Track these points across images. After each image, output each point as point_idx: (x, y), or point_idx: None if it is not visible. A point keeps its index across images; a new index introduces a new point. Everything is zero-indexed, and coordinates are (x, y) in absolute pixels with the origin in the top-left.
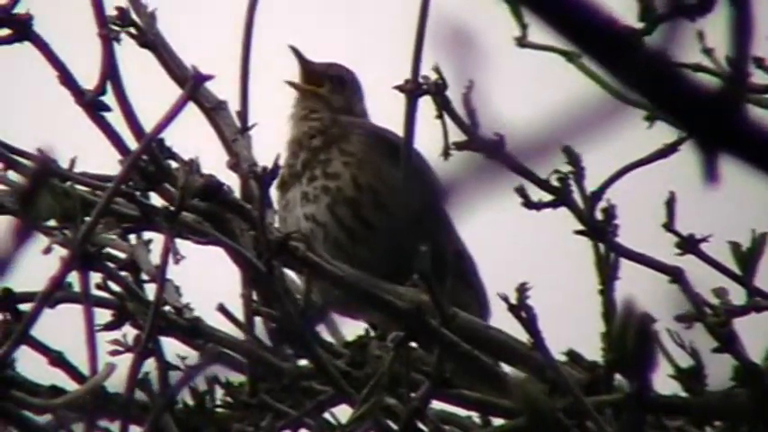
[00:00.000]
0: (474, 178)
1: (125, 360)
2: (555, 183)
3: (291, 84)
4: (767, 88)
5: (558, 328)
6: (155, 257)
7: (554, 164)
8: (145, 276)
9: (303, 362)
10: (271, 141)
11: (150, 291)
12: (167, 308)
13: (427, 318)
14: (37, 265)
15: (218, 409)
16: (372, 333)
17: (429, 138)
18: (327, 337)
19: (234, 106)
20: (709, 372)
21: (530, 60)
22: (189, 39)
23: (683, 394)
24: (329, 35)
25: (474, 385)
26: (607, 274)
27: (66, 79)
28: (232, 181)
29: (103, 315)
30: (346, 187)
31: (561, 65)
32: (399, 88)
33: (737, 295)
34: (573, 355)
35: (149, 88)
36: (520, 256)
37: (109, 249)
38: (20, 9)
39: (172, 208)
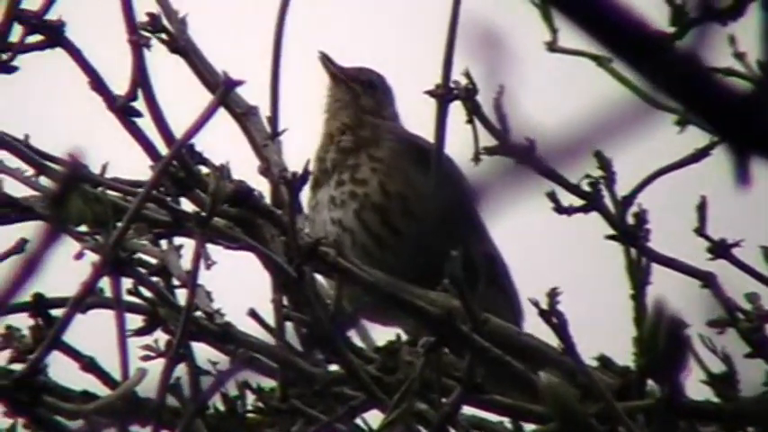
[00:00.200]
0: (505, 183)
1: (156, 365)
2: (586, 187)
3: (323, 62)
4: None
5: (590, 334)
6: (186, 263)
7: (585, 168)
8: (176, 282)
9: (334, 367)
10: (301, 146)
11: (181, 296)
12: (198, 313)
13: (458, 323)
14: (69, 271)
15: (250, 415)
16: (403, 338)
17: (459, 143)
18: (358, 342)
19: (265, 111)
20: (741, 377)
21: (560, 65)
22: (220, 44)
23: (716, 400)
24: (360, 40)
25: (505, 391)
26: (639, 279)
27: (98, 85)
28: (263, 186)
29: (135, 320)
30: (374, 193)
31: (592, 69)
32: (430, 93)
33: None
34: (604, 361)
35: (180, 94)
36: (551, 261)
37: (140, 255)
38: (52, 15)
39: (203, 213)
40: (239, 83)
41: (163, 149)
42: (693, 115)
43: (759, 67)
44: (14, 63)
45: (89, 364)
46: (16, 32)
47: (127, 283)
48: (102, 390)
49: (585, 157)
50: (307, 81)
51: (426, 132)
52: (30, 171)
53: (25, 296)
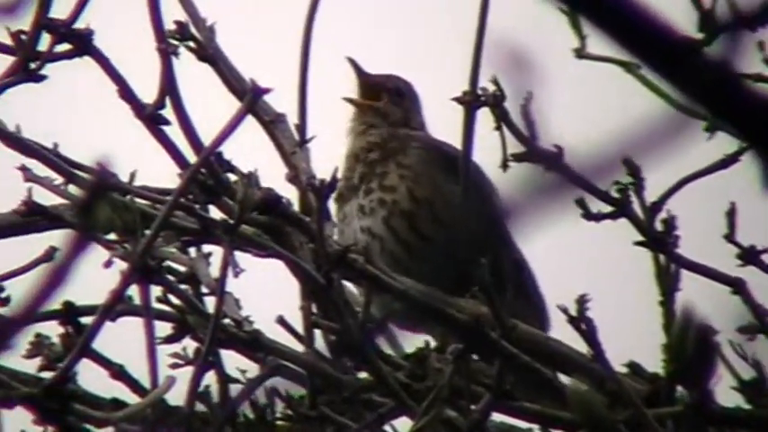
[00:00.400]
0: (533, 191)
1: (185, 373)
2: (615, 194)
3: (350, 100)
4: None
5: (619, 340)
6: (214, 270)
7: (613, 175)
8: (205, 289)
9: (363, 374)
10: (329, 154)
11: (210, 304)
12: (227, 321)
13: (487, 330)
14: (98, 279)
15: (279, 422)
16: (432, 345)
17: (487, 149)
18: (387, 349)
19: (292, 119)
20: None
21: (588, 72)
22: (247, 52)
23: (746, 406)
24: (387, 47)
25: (534, 397)
26: (667, 285)
27: (126, 93)
28: (291, 194)
29: (164, 328)
30: (402, 200)
31: (620, 76)
32: (458, 100)
33: None
34: (634, 367)
35: (208, 102)
36: (579, 267)
37: (169, 262)
38: (80, 24)
39: (231, 221)
40: (267, 90)
41: (191, 157)
42: (722, 121)
43: None
44: (43, 72)
45: (118, 372)
46: (45, 41)
47: (156, 290)
48: (131, 397)
49: (614, 164)
50: (335, 88)
51: (453, 139)
52: (59, 179)
53: (55, 304)
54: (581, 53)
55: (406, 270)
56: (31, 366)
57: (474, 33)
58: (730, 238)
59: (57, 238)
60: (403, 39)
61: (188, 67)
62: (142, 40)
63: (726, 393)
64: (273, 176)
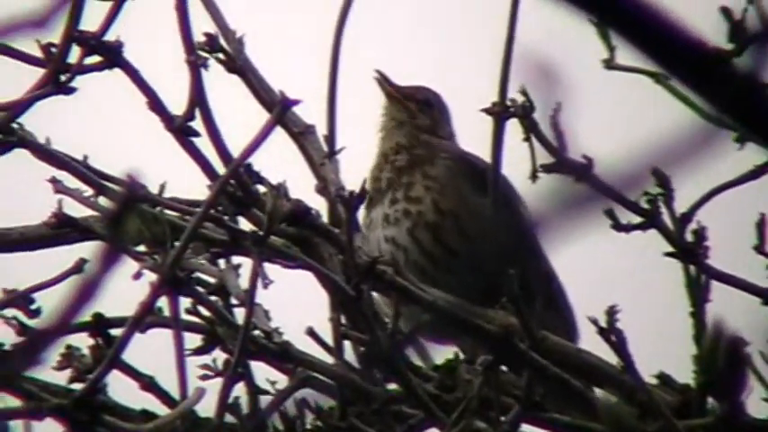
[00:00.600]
0: (562, 202)
1: (215, 384)
2: (644, 205)
3: (380, 82)
4: None
5: (649, 352)
6: (244, 282)
7: (643, 186)
8: (234, 301)
9: (393, 385)
10: (358, 165)
11: (240, 315)
12: (257, 332)
13: (516, 341)
14: (127, 290)
15: None
16: (461, 356)
17: (515, 160)
18: (417, 360)
19: (321, 130)
20: None
21: (618, 82)
22: (276, 64)
23: None
24: (416, 59)
25: (564, 409)
26: (698, 296)
27: (156, 105)
28: (320, 205)
29: (193, 339)
30: (427, 211)
31: (650, 86)
32: (487, 111)
33: None
34: (664, 378)
35: (237, 113)
36: (609, 278)
37: (198, 274)
38: (110, 36)
39: (260, 232)
40: (296, 102)
41: (220, 169)
42: (751, 133)
43: None
44: (73, 84)
45: (148, 384)
46: (75, 54)
47: (185, 302)
48: (161, 409)
49: (644, 175)
50: (364, 100)
51: (483, 150)
52: (89, 191)
53: (85, 316)
54: (610, 64)
55: (432, 281)
56: (61, 378)
57: (503, 44)
58: (760, 249)
59: (87, 250)
60: (432, 50)
61: (217, 78)
62: (172, 53)
63: (756, 405)
64: (302, 188)
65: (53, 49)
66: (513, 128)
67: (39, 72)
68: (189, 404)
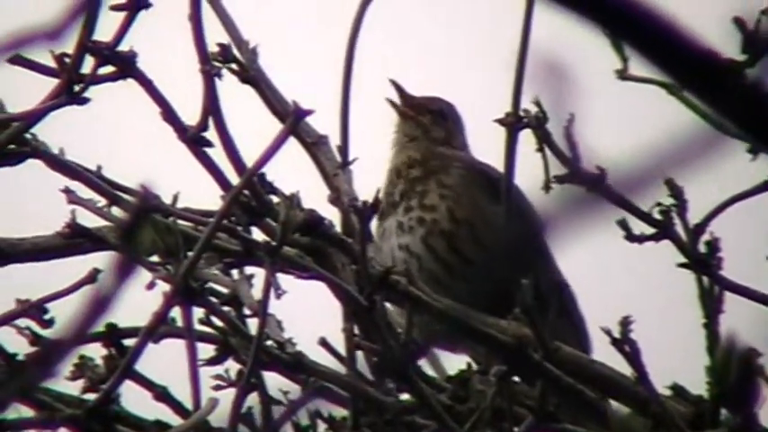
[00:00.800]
0: (575, 212)
1: (228, 395)
2: (657, 216)
3: (391, 103)
4: None
5: (663, 363)
6: (257, 292)
7: (656, 196)
8: (247, 311)
9: (405, 396)
10: (371, 175)
11: (253, 325)
12: (270, 342)
13: (529, 351)
14: (141, 301)
15: None
16: (474, 367)
17: (528, 171)
18: (429, 370)
19: (335, 140)
20: None
21: (631, 93)
22: (290, 74)
23: None
24: (430, 69)
25: (578, 419)
26: (711, 307)
27: (169, 115)
28: (333, 215)
29: (206, 350)
30: (442, 219)
31: (663, 98)
32: (500, 121)
33: None
34: (678, 390)
35: (250, 123)
36: (623, 289)
37: (211, 284)
38: (123, 46)
39: (273, 243)
40: (309, 112)
41: (234, 179)
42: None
43: None
44: (86, 94)
45: (161, 394)
46: (88, 64)
47: (198, 312)
48: (174, 419)
49: (657, 186)
50: (377, 110)
51: (496, 161)
52: (102, 202)
53: (98, 326)
54: (623, 74)
55: (445, 289)
56: (74, 388)
57: (516, 55)
58: None
59: (100, 260)
60: (445, 60)
61: (231, 89)
62: (185, 63)
63: None
64: (315, 198)
65: (66, 60)
66: (527, 138)
67: (52, 82)
68: (202, 414)
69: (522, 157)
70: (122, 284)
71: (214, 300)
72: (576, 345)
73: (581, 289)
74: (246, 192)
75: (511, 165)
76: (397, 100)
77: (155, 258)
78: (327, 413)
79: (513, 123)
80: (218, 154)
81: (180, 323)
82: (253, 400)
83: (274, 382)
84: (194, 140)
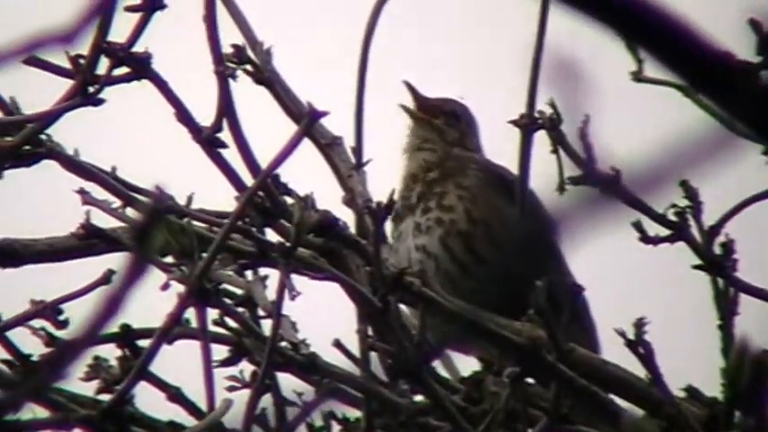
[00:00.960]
0: (590, 213)
1: (242, 396)
2: (672, 217)
3: (405, 108)
4: None
5: (677, 364)
6: (271, 293)
7: (671, 198)
8: (261, 312)
9: (419, 397)
10: (386, 177)
11: (267, 326)
12: (284, 344)
13: (543, 353)
14: (155, 302)
15: None
16: (488, 368)
17: (543, 173)
18: (443, 372)
19: (349, 142)
20: None
21: (646, 95)
22: (304, 75)
23: None
24: (444, 71)
25: (592, 421)
26: (726, 309)
27: (184, 116)
28: (347, 217)
29: (220, 351)
30: (460, 220)
31: (678, 99)
32: (514, 123)
33: None
34: (692, 391)
35: (265, 125)
36: (637, 290)
37: (225, 285)
38: (138, 48)
39: (288, 244)
40: (324, 113)
41: (248, 180)
42: None
43: None
44: (101, 96)
45: (175, 395)
46: (103, 65)
47: (212, 313)
48: (188, 420)
49: (671, 187)
50: (391, 111)
51: (510, 162)
52: (117, 203)
53: (112, 327)
54: (638, 76)
55: (460, 289)
56: (88, 389)
57: (531, 56)
58: None
59: (115, 261)
60: (459, 61)
61: (245, 90)
62: (200, 64)
63: None
64: (330, 199)
65: (81, 61)
66: (541, 140)
67: (67, 83)
68: (216, 416)
69: (537, 159)
70: (136, 285)
71: (228, 301)
72: (587, 347)
73: (595, 290)
74: (261, 193)
75: (525, 166)
76: (410, 102)
77: (169, 259)
78: (341, 414)
79: (527, 125)
80: (232, 155)
81: (194, 324)
82: (267, 401)
83: (288, 383)
84: (209, 141)
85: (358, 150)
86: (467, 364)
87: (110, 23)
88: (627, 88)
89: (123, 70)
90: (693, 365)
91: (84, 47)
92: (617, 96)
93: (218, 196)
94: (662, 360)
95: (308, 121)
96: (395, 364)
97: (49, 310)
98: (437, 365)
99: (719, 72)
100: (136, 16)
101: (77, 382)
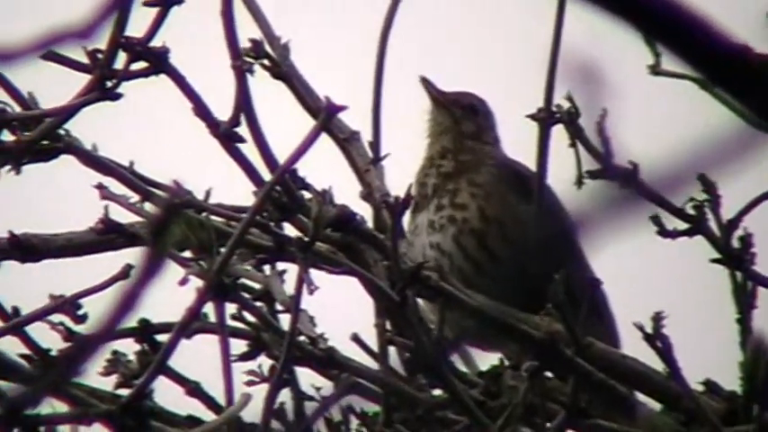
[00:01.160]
0: (608, 208)
1: (261, 390)
2: (690, 211)
3: (425, 84)
4: None
5: (695, 358)
6: (289, 288)
7: (689, 192)
8: (279, 307)
9: (437, 391)
10: (403, 171)
11: (285, 321)
12: (302, 338)
13: (561, 347)
14: (173, 296)
15: None
16: (506, 363)
17: (560, 167)
18: (462, 366)
19: (367, 136)
20: None
21: (664, 88)
22: (322, 70)
23: None
24: (461, 64)
25: (610, 415)
26: (744, 302)
27: (201, 111)
28: (365, 211)
29: (239, 345)
30: (473, 218)
31: (695, 92)
32: (532, 117)
33: None
34: (710, 385)
35: (282, 119)
36: (655, 284)
37: (244, 280)
38: (156, 42)
39: (306, 238)
40: (342, 108)
41: (266, 175)
42: None
43: None
44: (119, 90)
45: (194, 389)
46: (121, 60)
47: (231, 308)
48: (206, 414)
49: (690, 181)
50: (409, 106)
51: (528, 156)
52: (135, 197)
53: (131, 322)
54: (656, 69)
55: (476, 287)
56: (107, 383)
57: (548, 50)
58: None
59: (133, 255)
60: (477, 56)
61: (263, 84)
62: (217, 58)
63: None
64: (347, 194)
65: (99, 56)
66: (559, 134)
67: (85, 78)
68: (235, 410)
69: (555, 153)
70: (153, 280)
71: (246, 295)
72: (606, 341)
73: (613, 285)
74: (279, 187)
75: (543, 160)
76: (427, 98)
77: (188, 254)
78: (360, 409)
79: (545, 119)
80: (250, 149)
81: (212, 319)
82: (285, 395)
83: (306, 377)
84: (226, 136)
85: (375, 145)
86: (485, 359)
87: (127, 18)
88: (644, 82)
89: (141, 65)
90: (712, 359)
91: (101, 42)
92: (634, 90)
93: (236, 191)
94: (680, 354)
95: (325, 115)
96: (413, 359)
97: (68, 305)
98: (455, 360)
99: (737, 65)
100: (153, 11)
101: (96, 376)
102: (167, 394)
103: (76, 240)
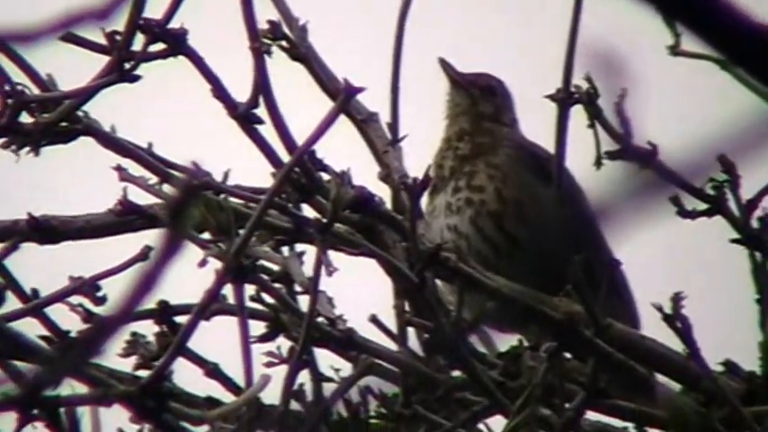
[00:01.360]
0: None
1: (280, 371)
2: (710, 191)
3: (443, 66)
4: None
5: (715, 339)
6: (308, 269)
7: (708, 172)
8: (298, 288)
9: (457, 372)
10: (422, 152)
11: (304, 302)
12: (321, 319)
13: (581, 328)
14: (192, 278)
15: (372, 420)
16: (525, 344)
17: (578, 148)
18: (481, 347)
19: (385, 118)
20: None
21: (683, 68)
22: (340, 51)
23: None
24: (480, 45)
25: (629, 396)
26: (764, 282)
27: (220, 92)
28: (383, 192)
29: (258, 327)
30: (490, 200)
31: (716, 73)
32: (551, 98)
33: None
34: (730, 366)
35: (301, 101)
36: (675, 265)
37: (262, 261)
38: (174, 24)
39: (324, 220)
40: (360, 90)
41: (284, 156)
42: None
43: None
44: (137, 72)
45: (213, 371)
46: (139, 41)
47: (250, 289)
48: (226, 396)
49: (710, 161)
50: (427, 87)
51: (547, 137)
52: (153, 179)
53: (150, 303)
54: (675, 50)
55: (494, 269)
56: (127, 365)
57: (567, 31)
58: None
59: (152, 237)
60: (496, 37)
61: (281, 66)
62: (235, 40)
63: None
64: (366, 175)
65: (117, 37)
66: (578, 114)
67: (103, 60)
68: (254, 391)
69: (573, 133)
70: (171, 262)
71: (265, 277)
72: (626, 322)
73: (632, 265)
74: (297, 169)
75: (562, 141)
76: (445, 79)
77: (206, 236)
78: (378, 390)
79: (564, 99)
80: (268, 131)
81: (231, 300)
82: (304, 376)
83: (325, 359)
84: (245, 117)
85: (394, 126)
86: (504, 339)
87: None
88: (664, 62)
89: (159, 46)
90: (731, 340)
91: (119, 23)
92: (654, 70)
93: (254, 172)
94: (699, 334)
95: (344, 97)
96: (432, 340)
97: (87, 287)
98: (474, 341)
99: (759, 45)
100: None
101: (115, 358)
102: (186, 376)
103: (95, 222)
